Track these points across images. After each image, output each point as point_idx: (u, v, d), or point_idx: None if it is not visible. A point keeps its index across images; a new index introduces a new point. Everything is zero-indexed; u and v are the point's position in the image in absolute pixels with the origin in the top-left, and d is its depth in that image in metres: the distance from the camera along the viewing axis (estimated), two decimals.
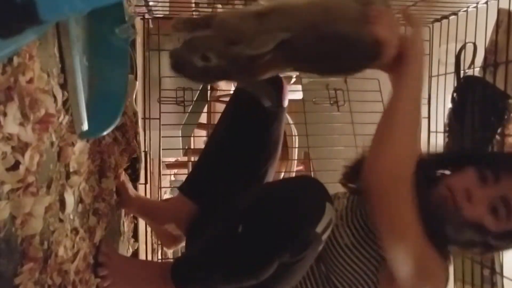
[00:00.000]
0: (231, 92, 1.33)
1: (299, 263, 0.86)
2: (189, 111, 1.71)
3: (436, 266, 0.84)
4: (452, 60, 1.51)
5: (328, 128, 1.73)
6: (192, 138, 2.42)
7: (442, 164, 0.99)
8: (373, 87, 1.62)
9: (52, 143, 0.68)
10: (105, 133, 0.88)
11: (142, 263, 1.17)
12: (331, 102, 1.67)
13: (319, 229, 0.81)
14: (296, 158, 2.14)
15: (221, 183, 1.11)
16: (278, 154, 1.16)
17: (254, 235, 0.84)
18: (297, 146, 2.08)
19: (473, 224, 0.86)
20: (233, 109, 1.19)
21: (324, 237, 0.83)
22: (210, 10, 1.69)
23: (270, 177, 1.15)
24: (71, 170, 0.76)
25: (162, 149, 1.71)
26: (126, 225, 1.30)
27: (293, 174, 2.14)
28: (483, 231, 0.86)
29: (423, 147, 1.68)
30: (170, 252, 1.93)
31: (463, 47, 1.46)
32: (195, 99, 1.73)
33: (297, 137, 2.07)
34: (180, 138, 1.87)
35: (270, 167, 1.13)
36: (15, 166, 0.55)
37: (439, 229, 0.87)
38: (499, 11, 1.33)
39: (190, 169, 1.75)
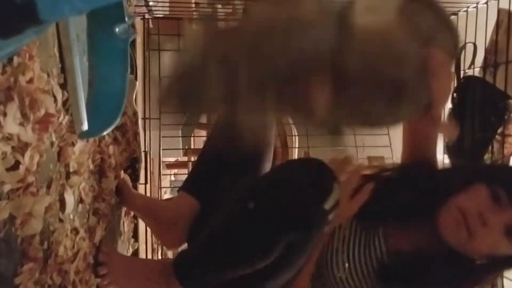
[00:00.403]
0: None
1: (304, 244, 0.87)
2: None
3: None
4: None
5: None
6: (192, 138, 2.42)
7: (450, 181, 0.95)
8: None
9: (52, 143, 0.68)
10: (105, 133, 0.88)
11: (143, 261, 1.17)
12: None
13: (327, 206, 0.82)
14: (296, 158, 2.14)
15: (221, 180, 1.11)
16: (271, 153, 1.17)
17: (266, 210, 0.84)
18: (297, 146, 2.08)
19: (488, 252, 0.86)
20: None
21: (331, 217, 0.83)
22: (210, 10, 1.69)
23: None
24: (71, 170, 0.76)
25: (162, 149, 1.71)
26: (126, 225, 1.30)
27: None
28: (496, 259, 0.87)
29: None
30: (170, 252, 1.94)
31: (463, 47, 1.46)
32: None
33: (297, 137, 2.07)
34: (180, 138, 1.87)
35: (265, 166, 1.14)
36: (15, 166, 0.55)
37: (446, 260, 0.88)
38: (499, 11, 1.32)
39: (190, 169, 1.75)
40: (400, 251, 0.92)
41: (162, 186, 1.75)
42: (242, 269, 0.86)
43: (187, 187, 1.17)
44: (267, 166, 1.16)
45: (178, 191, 1.20)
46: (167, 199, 1.49)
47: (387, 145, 1.77)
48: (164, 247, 1.85)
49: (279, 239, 0.83)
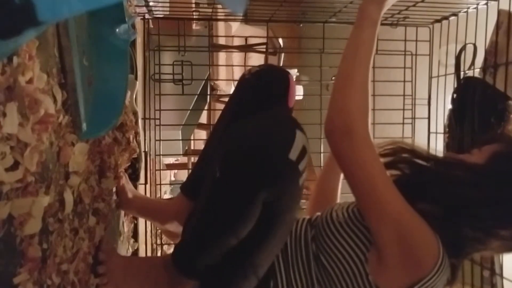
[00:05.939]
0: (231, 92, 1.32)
1: (282, 202, 0.84)
2: (190, 107, 1.70)
3: (420, 229, 0.80)
4: (452, 61, 1.51)
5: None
6: (192, 138, 2.42)
7: None
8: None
9: (51, 143, 0.68)
10: (105, 133, 0.88)
11: (142, 258, 1.16)
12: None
13: (292, 155, 0.79)
14: None
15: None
16: None
17: (230, 174, 0.82)
18: None
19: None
20: (234, 107, 1.15)
21: (301, 166, 0.81)
22: (210, 10, 1.69)
23: None
24: (70, 170, 0.76)
25: (162, 153, 1.71)
26: (125, 225, 1.30)
27: None
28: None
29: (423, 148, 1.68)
30: (170, 252, 1.94)
31: (463, 48, 1.46)
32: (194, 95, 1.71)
33: None
34: (180, 138, 1.88)
35: None
36: (14, 166, 0.55)
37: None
38: (499, 12, 1.33)
39: (190, 169, 1.75)
40: None
41: (162, 187, 1.75)
42: (226, 238, 0.84)
43: (185, 188, 1.17)
44: None
45: (180, 189, 1.20)
46: (167, 199, 1.49)
47: None
48: (164, 248, 1.86)
49: (252, 200, 0.80)
